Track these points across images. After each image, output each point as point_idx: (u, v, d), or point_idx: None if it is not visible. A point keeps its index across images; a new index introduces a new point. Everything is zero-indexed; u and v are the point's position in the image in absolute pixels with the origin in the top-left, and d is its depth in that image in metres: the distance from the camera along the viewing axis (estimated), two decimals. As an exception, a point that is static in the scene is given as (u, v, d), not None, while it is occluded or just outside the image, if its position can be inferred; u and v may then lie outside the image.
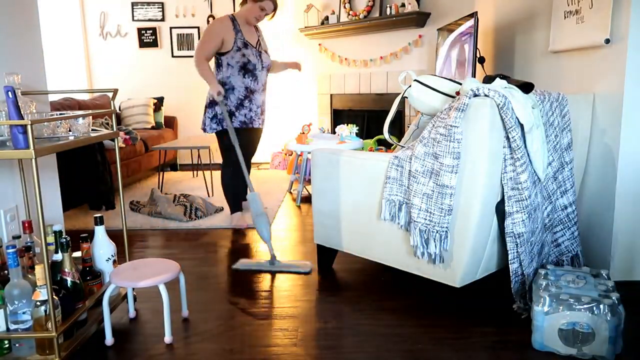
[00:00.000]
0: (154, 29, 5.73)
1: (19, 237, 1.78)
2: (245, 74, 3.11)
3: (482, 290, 2.10)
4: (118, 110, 5.46)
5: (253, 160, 5.93)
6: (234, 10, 5.70)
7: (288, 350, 1.73)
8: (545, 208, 2.01)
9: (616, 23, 1.95)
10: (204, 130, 3.18)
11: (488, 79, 1.88)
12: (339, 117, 5.41)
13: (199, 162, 5.17)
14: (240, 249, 2.86)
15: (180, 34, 5.75)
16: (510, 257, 1.85)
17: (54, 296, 1.55)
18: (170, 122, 5.74)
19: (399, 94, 2.29)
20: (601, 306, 1.58)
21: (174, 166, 5.72)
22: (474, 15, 2.92)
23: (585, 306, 1.59)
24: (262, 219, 2.52)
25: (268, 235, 2.51)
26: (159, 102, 5.55)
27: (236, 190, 3.28)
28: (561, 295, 1.64)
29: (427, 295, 2.12)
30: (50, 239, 1.75)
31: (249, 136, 3.27)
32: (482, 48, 3.63)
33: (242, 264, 2.54)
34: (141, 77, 5.81)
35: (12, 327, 1.56)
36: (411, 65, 4.49)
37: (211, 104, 3.14)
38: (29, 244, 1.74)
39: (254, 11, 3.12)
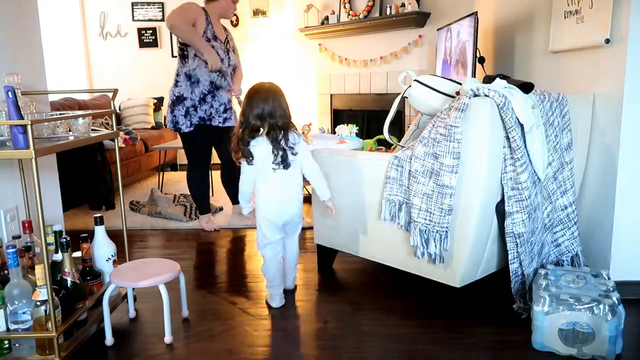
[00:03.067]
0: (154, 29, 5.73)
1: (19, 237, 1.79)
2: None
3: (482, 290, 2.10)
4: (118, 110, 5.46)
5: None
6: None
7: (288, 350, 1.73)
8: (545, 208, 2.01)
9: (616, 23, 1.95)
10: (178, 130, 3.00)
11: (488, 79, 1.88)
12: (339, 117, 5.41)
13: (199, 162, 5.17)
14: (241, 249, 2.87)
15: (180, 34, 5.75)
16: (510, 257, 1.85)
17: (54, 296, 1.54)
18: (170, 122, 5.73)
19: (399, 94, 2.29)
20: (601, 306, 1.58)
21: (174, 166, 5.72)
22: (474, 15, 2.92)
23: (586, 306, 1.59)
24: None
25: None
26: (159, 102, 5.55)
27: (204, 191, 3.21)
28: (561, 295, 1.64)
29: (427, 295, 2.12)
30: (50, 239, 1.75)
31: (213, 135, 3.11)
32: (482, 48, 3.62)
33: None
34: (141, 77, 5.80)
35: (12, 327, 1.56)
36: (411, 65, 4.49)
37: (178, 99, 2.97)
38: (29, 244, 1.74)
39: (231, 7, 3.08)
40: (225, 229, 3.24)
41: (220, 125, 3.08)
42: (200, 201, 3.21)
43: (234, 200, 3.46)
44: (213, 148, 3.22)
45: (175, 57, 5.74)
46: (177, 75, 3.01)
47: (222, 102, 3.08)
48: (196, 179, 3.17)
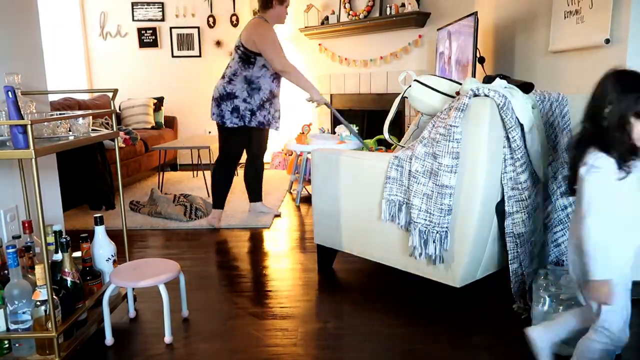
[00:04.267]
0: (154, 29, 5.73)
1: (19, 237, 1.78)
2: (275, 79, 3.16)
3: (482, 290, 2.10)
4: (118, 110, 5.46)
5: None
6: (234, 10, 5.69)
7: (288, 350, 1.73)
8: (545, 208, 2.00)
9: (616, 23, 1.95)
10: (223, 124, 3.10)
11: (488, 79, 1.88)
12: (339, 117, 5.41)
13: (199, 162, 5.16)
14: (241, 249, 2.87)
15: (180, 34, 5.75)
16: (510, 257, 1.85)
17: (54, 296, 1.54)
18: (170, 122, 5.73)
19: (399, 94, 2.29)
20: (601, 306, 1.57)
21: (174, 166, 5.72)
22: (474, 15, 2.92)
23: (585, 306, 1.59)
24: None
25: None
26: (159, 102, 5.55)
27: (224, 187, 3.27)
28: (561, 295, 1.64)
29: (427, 295, 2.12)
30: (50, 239, 1.75)
31: (263, 135, 3.32)
32: (482, 48, 3.62)
33: None
34: (141, 77, 5.81)
35: (12, 327, 1.56)
36: (411, 65, 4.49)
37: (229, 96, 3.07)
38: (29, 244, 1.74)
39: (284, 12, 3.17)
40: (226, 228, 3.24)
41: (276, 130, 3.31)
42: (219, 195, 3.28)
43: (253, 197, 3.51)
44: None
45: (176, 57, 5.79)
46: (234, 74, 3.08)
47: (277, 108, 3.27)
48: (223, 174, 3.25)
